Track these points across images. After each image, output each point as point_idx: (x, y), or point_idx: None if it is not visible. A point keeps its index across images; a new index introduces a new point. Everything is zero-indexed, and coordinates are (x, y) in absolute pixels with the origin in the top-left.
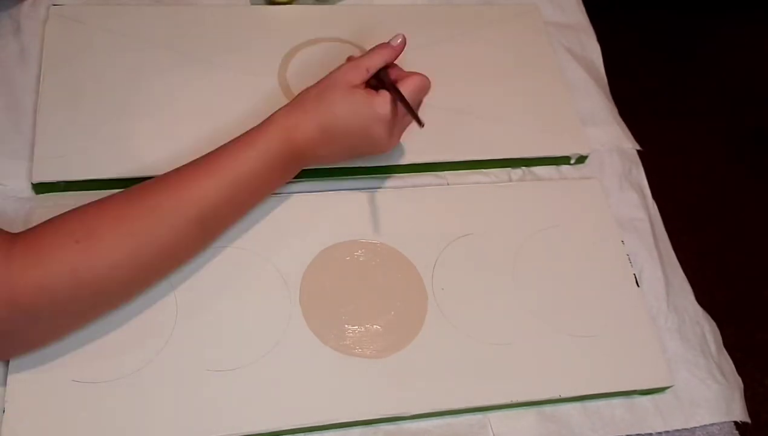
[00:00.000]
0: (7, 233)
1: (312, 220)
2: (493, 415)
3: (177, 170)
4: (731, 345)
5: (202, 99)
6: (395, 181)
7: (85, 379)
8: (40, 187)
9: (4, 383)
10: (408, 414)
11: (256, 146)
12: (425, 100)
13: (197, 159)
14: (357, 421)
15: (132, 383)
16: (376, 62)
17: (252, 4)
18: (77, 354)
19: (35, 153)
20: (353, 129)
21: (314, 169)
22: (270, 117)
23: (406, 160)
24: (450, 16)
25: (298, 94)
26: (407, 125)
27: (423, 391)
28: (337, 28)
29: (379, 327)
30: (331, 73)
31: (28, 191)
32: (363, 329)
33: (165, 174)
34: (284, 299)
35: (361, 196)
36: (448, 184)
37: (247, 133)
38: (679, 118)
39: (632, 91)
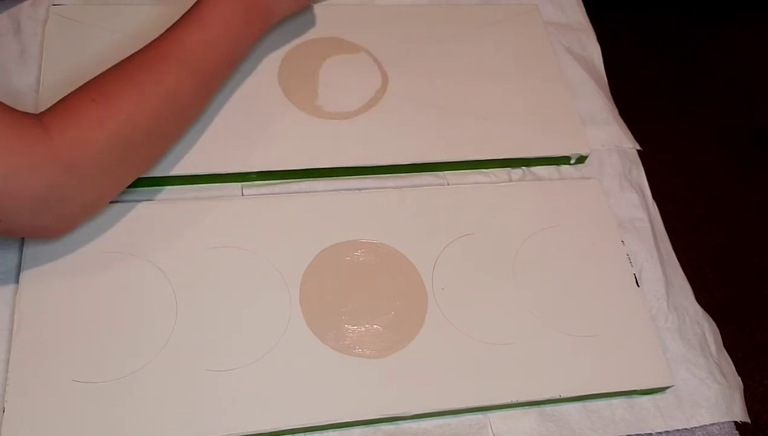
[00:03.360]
0: (32, 113)
1: (312, 220)
2: (493, 415)
3: (167, 29)
4: (731, 345)
5: None
6: (395, 181)
7: (85, 379)
8: None
9: (4, 383)
10: (408, 414)
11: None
12: (425, 99)
13: (180, 18)
14: (357, 421)
15: (132, 383)
16: None
17: None
18: (77, 354)
19: None
20: None
21: (316, 169)
22: None
23: (406, 160)
24: (450, 16)
25: None
26: None
27: (423, 391)
28: (337, 27)
29: (379, 327)
30: None
31: None
32: (363, 329)
33: (160, 34)
34: (284, 299)
35: (361, 196)
36: (448, 184)
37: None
38: (679, 118)
39: (632, 91)
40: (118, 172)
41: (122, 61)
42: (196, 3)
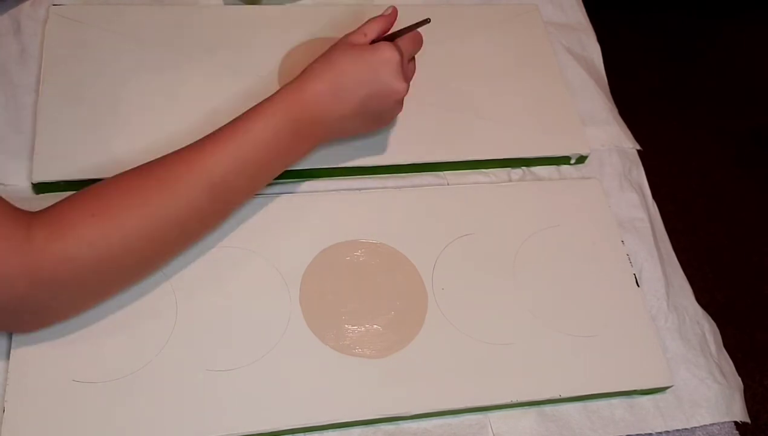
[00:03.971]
0: (26, 211)
1: (312, 220)
2: (493, 415)
3: (188, 145)
4: (731, 345)
5: (202, 99)
6: (395, 181)
7: (85, 379)
8: (40, 187)
9: (4, 383)
10: (408, 414)
11: (263, 114)
12: (425, 99)
13: (209, 134)
14: (357, 421)
15: (132, 383)
16: (372, 28)
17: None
18: (77, 354)
19: (35, 153)
20: (362, 77)
21: (316, 169)
22: (279, 89)
23: (406, 160)
24: (450, 16)
25: (305, 68)
26: (412, 72)
27: (423, 391)
28: (337, 27)
29: (379, 327)
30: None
31: (28, 191)
32: (363, 329)
33: (177, 149)
34: (284, 299)
35: (361, 196)
36: (448, 184)
37: (256, 105)
38: (679, 118)
39: (632, 91)
40: (101, 292)
41: (138, 168)
42: (239, 117)
